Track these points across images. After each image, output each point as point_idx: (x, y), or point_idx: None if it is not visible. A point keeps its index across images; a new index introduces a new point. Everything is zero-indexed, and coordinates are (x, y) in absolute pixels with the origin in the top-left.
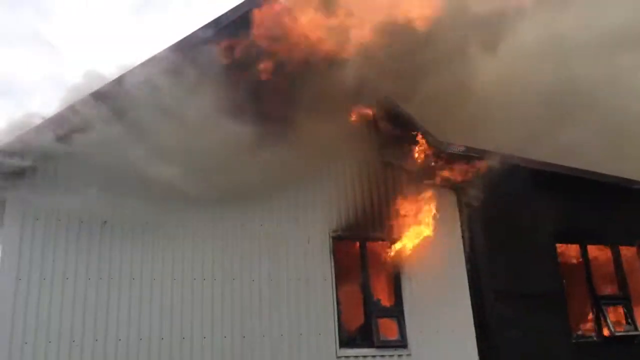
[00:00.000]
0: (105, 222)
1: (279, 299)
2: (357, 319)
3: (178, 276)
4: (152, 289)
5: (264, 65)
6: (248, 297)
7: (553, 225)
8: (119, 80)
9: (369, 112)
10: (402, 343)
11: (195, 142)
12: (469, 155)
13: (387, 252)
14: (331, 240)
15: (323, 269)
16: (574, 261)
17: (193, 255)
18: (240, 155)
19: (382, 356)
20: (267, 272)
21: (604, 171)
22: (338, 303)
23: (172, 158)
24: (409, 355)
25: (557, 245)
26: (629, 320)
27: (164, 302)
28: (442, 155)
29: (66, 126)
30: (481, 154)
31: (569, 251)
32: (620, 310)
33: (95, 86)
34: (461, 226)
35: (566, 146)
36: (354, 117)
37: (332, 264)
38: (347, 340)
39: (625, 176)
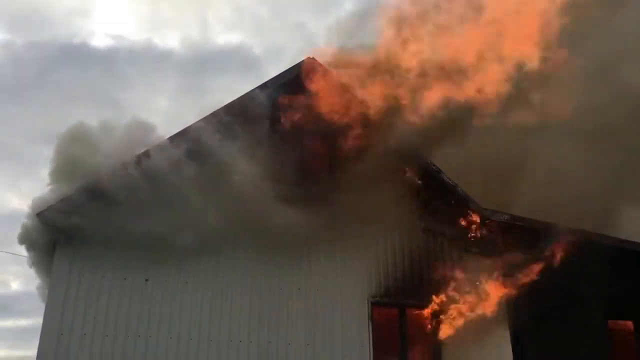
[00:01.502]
0: (147, 279)
1: None
2: None
3: (215, 338)
4: (188, 349)
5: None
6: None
7: (605, 301)
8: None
9: (412, 177)
10: None
11: (235, 204)
12: (512, 224)
13: (427, 321)
14: (370, 305)
15: (361, 335)
16: (627, 339)
17: (231, 316)
18: (283, 217)
19: None
20: (303, 336)
21: None
22: None
23: (212, 219)
24: None
25: (609, 322)
26: None
27: None
28: (486, 223)
29: (113, 189)
30: (526, 224)
31: (622, 329)
32: None
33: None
34: (506, 299)
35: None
36: (396, 184)
37: (370, 329)
38: None
39: None
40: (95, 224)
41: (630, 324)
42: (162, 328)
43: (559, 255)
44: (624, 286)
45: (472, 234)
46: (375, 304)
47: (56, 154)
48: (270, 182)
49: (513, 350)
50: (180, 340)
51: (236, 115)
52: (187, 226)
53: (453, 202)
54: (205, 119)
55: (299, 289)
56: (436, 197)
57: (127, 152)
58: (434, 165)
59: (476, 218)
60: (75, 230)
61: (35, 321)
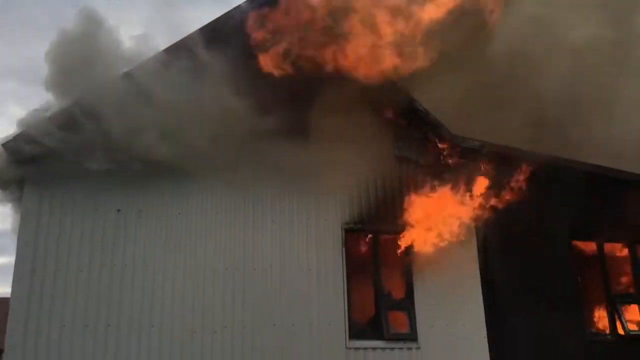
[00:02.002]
0: (119, 210)
1: (290, 289)
2: (367, 311)
3: (189, 265)
4: (163, 278)
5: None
6: (260, 286)
7: (569, 222)
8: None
9: (387, 106)
10: (412, 336)
11: (208, 126)
12: (484, 151)
13: (400, 246)
14: (343, 232)
15: (335, 261)
16: (590, 259)
17: (204, 244)
18: (255, 142)
19: (392, 349)
20: (278, 263)
21: (622, 168)
22: (349, 295)
23: (186, 142)
24: (418, 348)
25: (573, 242)
26: None
27: (174, 291)
28: (457, 150)
29: (79, 114)
30: (497, 150)
31: (585, 249)
32: (636, 309)
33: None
34: (475, 222)
35: (582, 143)
36: (371, 112)
37: (344, 255)
38: (357, 332)
39: None
40: (63, 154)
41: (593, 244)
42: (137, 258)
43: (527, 180)
44: (589, 209)
45: (444, 161)
46: (348, 231)
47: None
48: (246, 107)
49: (481, 270)
50: (155, 270)
51: (210, 38)
52: (162, 148)
53: (426, 129)
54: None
55: (272, 220)
56: (410, 125)
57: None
58: (407, 93)
59: (448, 145)
60: (43, 162)
61: (12, 259)
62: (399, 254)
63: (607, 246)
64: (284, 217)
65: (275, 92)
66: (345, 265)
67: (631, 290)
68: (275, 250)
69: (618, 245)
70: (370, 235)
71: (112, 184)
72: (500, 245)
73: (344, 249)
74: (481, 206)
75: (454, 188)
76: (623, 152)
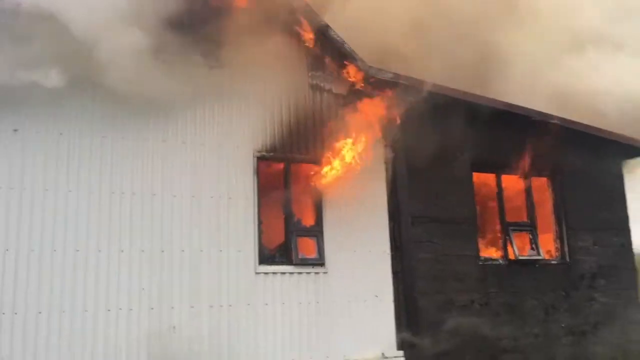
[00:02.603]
0: (16, 130)
1: (200, 214)
2: (277, 238)
3: (96, 190)
4: (67, 200)
5: None
6: (168, 212)
7: (471, 154)
8: None
9: (301, 33)
10: (319, 261)
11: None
12: (396, 83)
13: (311, 175)
14: (255, 159)
15: (245, 188)
16: (489, 190)
17: (111, 165)
18: (163, 65)
19: (300, 273)
20: (188, 189)
21: (522, 104)
22: (259, 221)
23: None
24: (325, 273)
25: (474, 173)
26: (533, 246)
27: (81, 214)
28: (370, 80)
29: None
30: (408, 82)
31: (485, 180)
32: (526, 236)
33: None
34: (384, 153)
35: (485, 78)
36: (286, 38)
37: (255, 183)
38: (266, 257)
39: (542, 110)
40: None
41: (492, 176)
42: (38, 179)
43: (435, 113)
44: (489, 143)
45: (358, 92)
46: (261, 159)
47: None
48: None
49: (388, 200)
50: (57, 191)
51: None
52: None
53: (340, 59)
54: None
55: (183, 142)
56: (324, 54)
57: None
58: (322, 21)
59: (362, 76)
60: None
61: None
62: (310, 183)
63: (505, 178)
64: (195, 140)
65: (189, 7)
66: (256, 193)
67: (523, 219)
68: (185, 174)
69: (514, 178)
70: (282, 164)
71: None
72: (406, 175)
73: (255, 176)
74: (391, 137)
75: (367, 119)
76: (525, 89)
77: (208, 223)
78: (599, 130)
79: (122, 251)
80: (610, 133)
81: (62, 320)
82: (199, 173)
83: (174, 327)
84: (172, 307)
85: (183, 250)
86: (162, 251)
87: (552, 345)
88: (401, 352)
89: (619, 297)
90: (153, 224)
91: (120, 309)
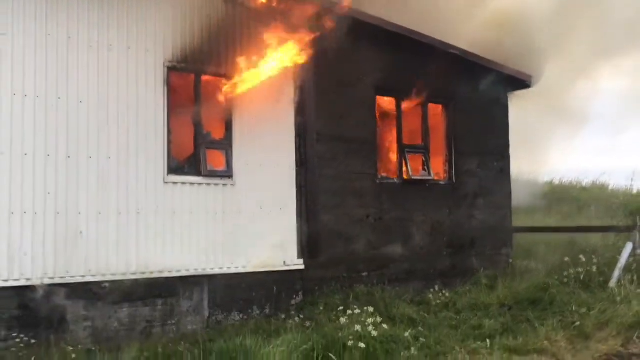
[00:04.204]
0: None
1: (108, 122)
2: (187, 149)
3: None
4: None
5: None
6: (74, 117)
7: (375, 78)
8: None
9: None
10: (228, 173)
11: None
12: (309, 2)
13: (222, 88)
14: (166, 69)
15: (155, 97)
16: (389, 113)
17: (12, 68)
18: None
19: (208, 184)
20: (96, 94)
21: (424, 32)
22: (169, 132)
23: None
24: (233, 185)
25: (377, 97)
26: (425, 167)
27: None
28: None
29: None
30: (322, 2)
31: (386, 103)
32: (420, 158)
33: None
34: (294, 71)
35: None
36: None
37: (165, 93)
38: (176, 167)
39: (443, 39)
40: None
41: (393, 100)
42: None
43: (344, 36)
44: (392, 68)
45: (271, 6)
46: (171, 69)
47: None
48: None
49: (295, 117)
50: None
51: None
52: None
53: None
54: None
55: (90, 45)
56: None
57: None
58: None
59: None
60: None
61: None
62: (220, 97)
63: (404, 103)
64: (103, 42)
65: None
66: (166, 103)
67: (418, 142)
68: (92, 78)
69: (413, 103)
70: (193, 75)
71: None
72: (314, 95)
73: (166, 86)
74: (301, 55)
75: (278, 34)
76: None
77: (116, 130)
78: (490, 62)
79: (26, 154)
80: (499, 65)
81: None
82: (106, 79)
83: (81, 233)
84: (79, 213)
85: (90, 157)
86: (69, 157)
87: (435, 257)
88: (301, 261)
89: (494, 215)
90: (58, 129)
91: (25, 212)
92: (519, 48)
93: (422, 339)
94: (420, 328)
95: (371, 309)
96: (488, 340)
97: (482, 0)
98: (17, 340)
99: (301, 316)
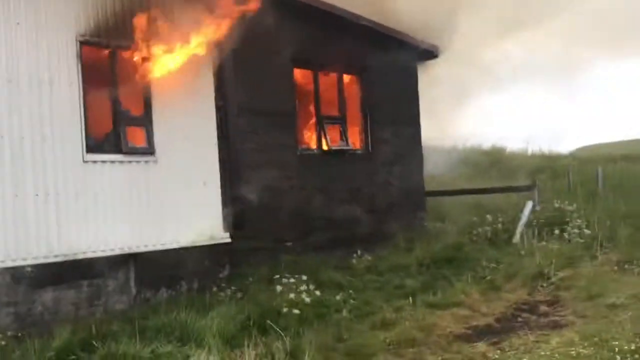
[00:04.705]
0: None
1: (19, 100)
2: (105, 127)
3: None
4: None
5: None
6: None
7: (292, 51)
8: None
9: None
10: (149, 150)
11: None
12: None
13: (139, 63)
14: (79, 44)
15: (69, 74)
16: (307, 85)
17: None
18: None
19: (130, 162)
20: (4, 71)
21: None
22: (85, 109)
23: None
24: (155, 162)
25: (295, 69)
26: (343, 138)
27: None
28: None
29: None
30: None
31: (304, 76)
32: (338, 129)
33: None
34: (212, 46)
35: None
36: None
37: (80, 69)
38: (94, 146)
39: (355, 12)
40: None
41: (310, 72)
42: None
43: (260, 9)
44: (309, 41)
45: None
46: (84, 43)
47: None
48: None
49: (215, 91)
50: None
51: None
52: None
53: None
54: None
55: None
56: None
57: None
58: None
59: None
60: None
61: None
62: (137, 72)
63: (321, 75)
64: (9, 18)
65: None
66: (81, 79)
67: (336, 113)
68: (2, 57)
69: (329, 75)
70: (108, 50)
71: None
72: (233, 68)
73: (79, 61)
74: (218, 30)
75: (194, 8)
76: None
77: (29, 109)
78: (400, 33)
79: None
80: (408, 36)
81: None
82: (15, 54)
83: None
84: None
85: (2, 137)
86: None
87: (355, 223)
88: (227, 234)
89: (408, 181)
90: None
91: None
92: (428, 18)
93: (351, 301)
94: (349, 291)
95: (304, 277)
96: (410, 298)
97: None
98: None
99: (233, 288)
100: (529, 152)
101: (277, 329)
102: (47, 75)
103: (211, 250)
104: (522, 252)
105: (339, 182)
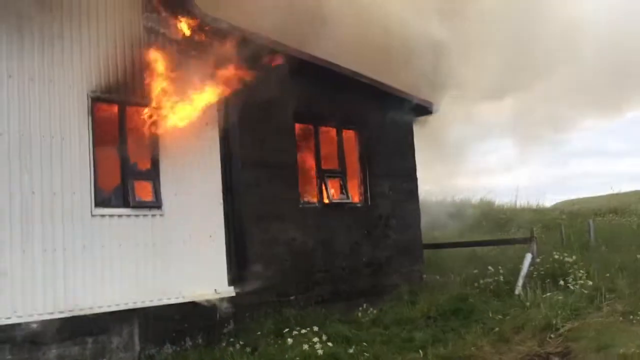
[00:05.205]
0: None
1: (31, 155)
2: (114, 181)
3: None
4: None
5: None
6: None
7: (294, 107)
8: None
9: None
10: (156, 204)
11: None
12: (232, 34)
13: (147, 119)
14: (90, 100)
15: (80, 129)
16: (308, 139)
17: None
18: None
19: (137, 215)
20: (17, 127)
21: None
22: (95, 164)
23: None
24: (162, 215)
25: (296, 125)
26: (344, 191)
27: None
28: (205, 29)
29: None
30: (245, 35)
31: (305, 130)
32: (338, 182)
33: None
34: (218, 101)
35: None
36: None
37: (90, 124)
38: (103, 200)
39: (354, 69)
40: None
41: (311, 127)
42: None
43: (264, 67)
44: (309, 97)
45: (192, 38)
46: (95, 99)
47: None
48: None
49: (221, 146)
50: None
51: None
52: None
53: (174, 3)
54: None
55: (9, 75)
56: None
57: None
58: None
59: (197, 22)
60: None
61: None
62: (145, 127)
63: (321, 129)
64: (23, 73)
65: None
66: (91, 134)
67: (336, 167)
68: (13, 110)
69: (329, 129)
70: (117, 106)
71: None
72: (238, 124)
73: (90, 116)
74: (225, 87)
75: (201, 66)
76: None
77: (39, 164)
78: (397, 90)
79: None
80: (405, 93)
81: None
82: (28, 110)
83: (5, 274)
84: (2, 252)
85: (12, 193)
86: None
87: (356, 276)
88: (232, 288)
89: (406, 234)
90: None
91: None
92: (424, 77)
93: (365, 354)
94: (357, 345)
95: (315, 328)
96: (421, 351)
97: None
98: None
99: (241, 342)
100: (518, 205)
101: None
102: (58, 130)
103: (216, 305)
104: (527, 304)
105: (339, 235)
